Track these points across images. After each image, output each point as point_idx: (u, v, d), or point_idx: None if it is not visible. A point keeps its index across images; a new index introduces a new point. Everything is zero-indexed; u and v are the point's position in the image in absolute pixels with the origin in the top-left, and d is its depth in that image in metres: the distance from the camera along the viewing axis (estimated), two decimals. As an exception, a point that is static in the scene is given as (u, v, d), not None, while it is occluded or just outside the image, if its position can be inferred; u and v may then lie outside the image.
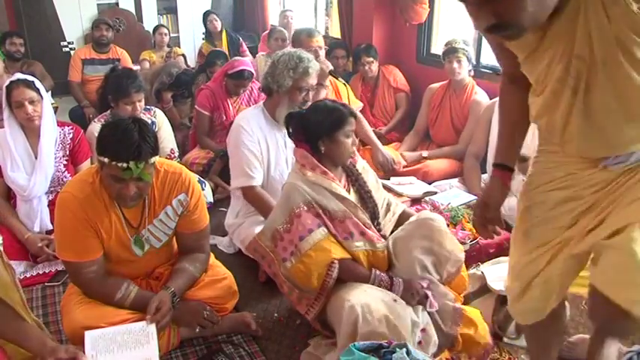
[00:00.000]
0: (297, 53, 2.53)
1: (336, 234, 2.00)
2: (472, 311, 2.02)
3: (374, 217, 2.12)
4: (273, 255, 2.05)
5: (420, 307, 1.95)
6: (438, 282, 2.00)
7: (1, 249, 1.70)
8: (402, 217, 2.22)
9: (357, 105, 3.47)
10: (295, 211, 1.97)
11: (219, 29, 5.65)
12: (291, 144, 2.62)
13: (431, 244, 2.01)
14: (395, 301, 1.89)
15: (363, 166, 2.21)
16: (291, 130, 2.14)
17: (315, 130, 2.03)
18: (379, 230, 2.12)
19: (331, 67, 3.30)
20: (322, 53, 3.41)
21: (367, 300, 1.83)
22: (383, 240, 2.07)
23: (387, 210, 2.24)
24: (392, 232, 2.17)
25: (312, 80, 2.53)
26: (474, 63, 3.60)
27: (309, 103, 2.56)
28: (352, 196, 2.08)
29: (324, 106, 2.08)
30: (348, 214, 2.01)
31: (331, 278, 1.93)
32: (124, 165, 1.73)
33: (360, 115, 3.41)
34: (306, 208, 1.98)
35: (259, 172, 2.56)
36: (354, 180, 2.14)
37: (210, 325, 2.02)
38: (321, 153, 2.04)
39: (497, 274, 2.16)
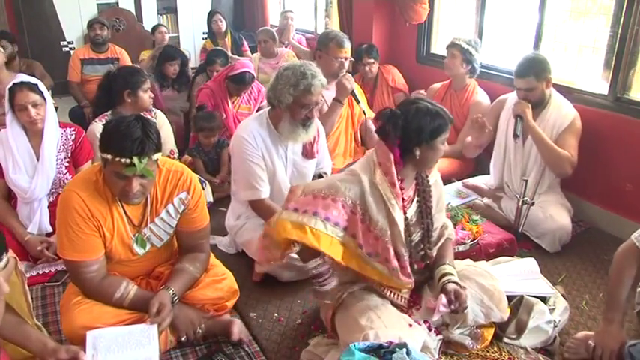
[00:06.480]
0: (301, 68, 2.40)
1: (361, 244, 1.90)
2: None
3: (426, 235, 2.03)
4: (292, 197, 1.95)
5: (434, 332, 1.98)
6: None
7: (15, 255, 1.69)
8: (444, 245, 2.13)
9: (370, 115, 3.38)
10: (338, 198, 1.87)
11: (223, 30, 5.62)
12: (291, 157, 2.60)
13: (482, 297, 2.01)
14: (410, 325, 1.88)
15: (435, 180, 2.09)
16: (385, 129, 1.91)
17: (416, 136, 1.87)
18: (427, 250, 2.04)
19: (353, 87, 3.09)
20: (347, 64, 3.15)
21: (380, 329, 1.79)
22: (406, 279, 1.96)
23: (441, 234, 2.13)
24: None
25: (316, 97, 2.42)
26: (475, 65, 3.55)
27: (313, 120, 2.49)
28: (413, 208, 1.99)
29: (426, 110, 1.88)
30: (386, 237, 1.91)
31: (288, 254, 1.95)
32: (128, 161, 1.74)
33: (371, 125, 3.37)
34: (349, 204, 1.88)
35: (266, 184, 2.52)
36: (421, 191, 2.02)
37: (192, 337, 2.04)
38: (415, 159, 1.91)
39: (497, 274, 2.16)
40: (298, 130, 2.47)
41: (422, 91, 3.79)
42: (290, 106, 2.42)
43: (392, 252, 1.92)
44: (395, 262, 1.93)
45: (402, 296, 2.02)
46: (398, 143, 1.89)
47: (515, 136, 2.84)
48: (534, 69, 2.81)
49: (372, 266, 1.93)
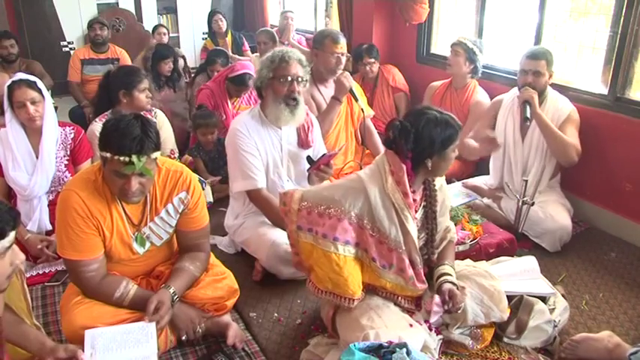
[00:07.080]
0: (276, 49, 2.55)
1: (375, 258, 1.91)
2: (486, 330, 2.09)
3: (430, 239, 2.04)
4: (294, 211, 1.96)
5: (434, 333, 1.98)
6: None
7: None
8: (445, 247, 2.13)
9: (369, 113, 3.39)
10: (342, 217, 1.88)
11: (223, 29, 5.64)
12: (287, 147, 2.61)
13: (482, 297, 2.02)
14: (411, 325, 1.89)
15: (441, 185, 2.09)
16: (397, 141, 1.88)
17: (428, 148, 1.86)
18: (430, 254, 2.05)
19: (352, 86, 3.12)
20: (344, 60, 3.17)
21: (381, 329, 1.80)
22: (419, 286, 1.96)
23: (444, 237, 2.14)
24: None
25: (294, 69, 2.48)
26: (477, 65, 3.53)
27: (299, 96, 2.51)
28: (419, 213, 2.00)
29: (436, 120, 1.85)
30: (401, 248, 1.91)
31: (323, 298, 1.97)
32: (126, 159, 1.74)
33: (370, 124, 3.37)
34: (355, 221, 1.88)
35: (262, 173, 2.54)
36: (428, 196, 2.02)
37: (192, 337, 2.04)
38: (426, 169, 1.90)
39: (497, 274, 2.16)
40: (281, 107, 2.50)
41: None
42: (271, 83, 2.50)
43: (407, 262, 1.93)
44: (410, 271, 1.94)
45: (407, 299, 2.02)
46: (410, 156, 1.88)
47: (526, 119, 2.84)
48: (547, 56, 2.87)
49: (386, 278, 1.93)
